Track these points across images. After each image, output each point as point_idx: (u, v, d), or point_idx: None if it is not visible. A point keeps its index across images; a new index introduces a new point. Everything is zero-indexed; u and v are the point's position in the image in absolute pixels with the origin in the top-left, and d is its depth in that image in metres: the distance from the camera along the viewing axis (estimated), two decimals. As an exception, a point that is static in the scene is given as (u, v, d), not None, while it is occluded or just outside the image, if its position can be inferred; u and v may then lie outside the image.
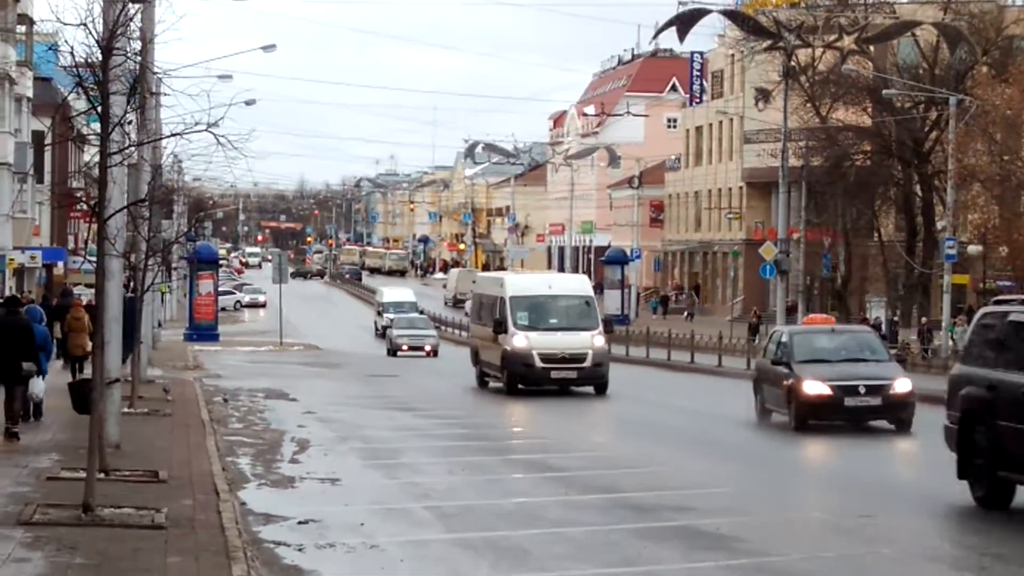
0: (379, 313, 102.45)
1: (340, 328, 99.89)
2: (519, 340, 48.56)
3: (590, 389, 53.35)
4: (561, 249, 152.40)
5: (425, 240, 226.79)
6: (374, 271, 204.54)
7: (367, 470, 25.39)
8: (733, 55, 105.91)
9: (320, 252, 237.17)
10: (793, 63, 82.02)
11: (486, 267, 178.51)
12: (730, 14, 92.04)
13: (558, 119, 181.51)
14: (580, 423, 39.42)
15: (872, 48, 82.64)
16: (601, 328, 51.44)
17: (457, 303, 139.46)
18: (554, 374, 49.45)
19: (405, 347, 67.09)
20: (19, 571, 13.94)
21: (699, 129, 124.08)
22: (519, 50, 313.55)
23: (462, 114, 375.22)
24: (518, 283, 52.70)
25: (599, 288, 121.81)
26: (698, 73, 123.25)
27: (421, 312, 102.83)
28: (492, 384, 52.56)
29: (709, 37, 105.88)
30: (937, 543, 17.78)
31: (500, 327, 47.66)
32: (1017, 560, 16.14)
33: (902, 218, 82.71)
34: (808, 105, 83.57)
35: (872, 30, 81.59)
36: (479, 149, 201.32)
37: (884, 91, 76.17)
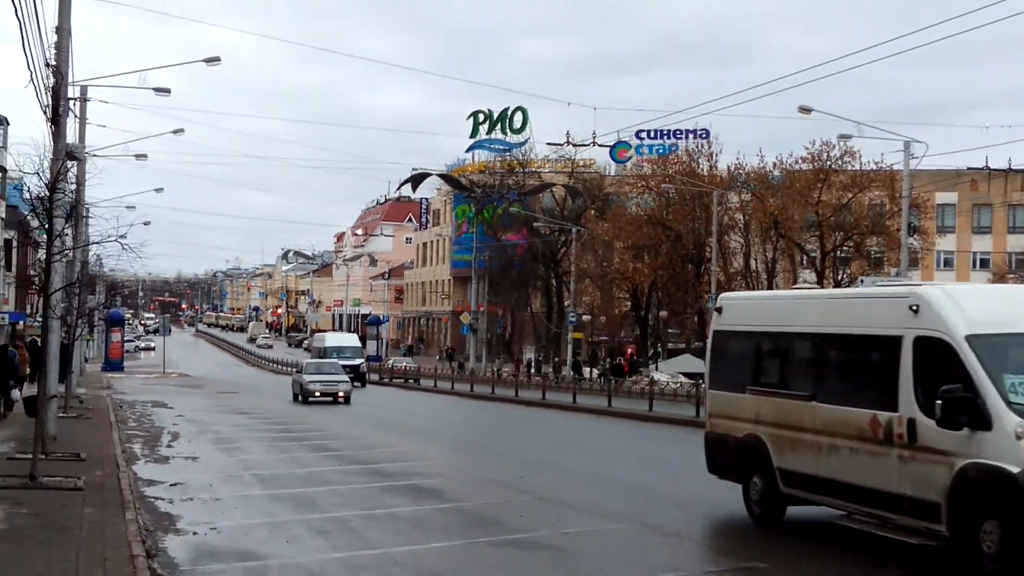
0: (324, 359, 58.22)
1: (202, 362, 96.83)
2: None
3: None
4: (340, 316, 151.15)
5: (256, 309, 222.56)
6: (225, 327, 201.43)
7: (216, 452, 24.78)
8: (445, 201, 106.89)
9: (191, 316, 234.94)
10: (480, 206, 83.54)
11: (294, 327, 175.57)
12: (443, 176, 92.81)
13: (340, 236, 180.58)
14: (367, 422, 36.10)
15: (528, 198, 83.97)
16: None
17: (251, 340, 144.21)
18: None
19: (318, 393, 43.79)
20: (-16, 519, 13.43)
21: (425, 244, 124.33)
22: (314, 193, 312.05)
23: (281, 232, 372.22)
24: (968, 301, 12.88)
25: (363, 340, 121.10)
26: (424, 211, 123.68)
27: (369, 358, 72.50)
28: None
29: (431, 188, 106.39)
30: (560, 486, 18.08)
31: (959, 410, 11.30)
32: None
33: (544, 299, 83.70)
34: (490, 230, 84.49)
35: (528, 187, 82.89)
36: (290, 254, 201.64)
37: (534, 223, 77.47)
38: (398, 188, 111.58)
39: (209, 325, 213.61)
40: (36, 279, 49.69)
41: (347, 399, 44.80)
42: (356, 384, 54.96)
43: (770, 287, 67.12)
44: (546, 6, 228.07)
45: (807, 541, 14.18)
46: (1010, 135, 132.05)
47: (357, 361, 62.12)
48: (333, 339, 69.62)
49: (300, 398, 45.67)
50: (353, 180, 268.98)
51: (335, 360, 56.08)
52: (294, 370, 54.68)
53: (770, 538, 13.96)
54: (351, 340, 71.52)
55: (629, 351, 68.28)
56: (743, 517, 15.76)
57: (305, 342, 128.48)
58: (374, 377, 70.00)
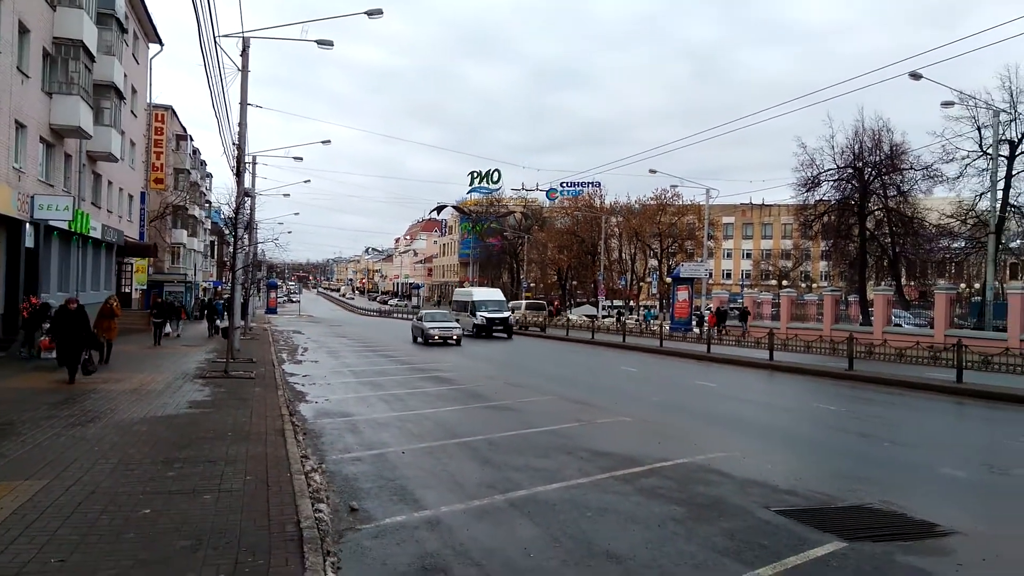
0: (472, 312, 38.84)
1: (320, 309, 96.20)
2: None
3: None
4: (397, 284, 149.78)
5: (350, 280, 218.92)
6: (332, 291, 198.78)
7: (328, 358, 24.47)
8: (455, 220, 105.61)
9: (315, 286, 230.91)
10: (476, 224, 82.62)
11: (372, 289, 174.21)
12: (454, 207, 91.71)
13: (397, 240, 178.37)
14: (408, 340, 34.66)
15: (501, 220, 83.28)
16: None
17: (342, 296, 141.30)
18: None
19: (436, 336, 31.54)
20: (201, 392, 13.42)
21: (444, 244, 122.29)
22: (383, 216, 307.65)
23: (364, 236, 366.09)
24: None
25: (408, 298, 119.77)
26: (444, 226, 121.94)
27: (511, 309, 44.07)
28: None
29: (448, 213, 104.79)
30: (518, 377, 18.26)
31: None
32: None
33: (509, 275, 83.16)
34: (480, 237, 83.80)
35: (500, 214, 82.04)
36: (369, 250, 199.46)
37: (504, 233, 76.94)
38: (429, 213, 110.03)
39: (324, 289, 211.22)
40: (228, 262, 49.30)
41: (458, 342, 31.78)
42: (503, 335, 37.37)
43: (631, 270, 67.52)
44: (512, 113, 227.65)
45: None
46: (764, 186, 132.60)
47: (505, 314, 38.68)
48: (480, 294, 42.07)
49: (421, 340, 32.57)
50: (405, 208, 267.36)
51: (451, 312, 40.33)
52: (415, 318, 36.98)
53: (634, 402, 14.08)
54: (496, 294, 42.87)
55: (556, 303, 68.12)
56: (611, 389, 15.83)
57: (413, 301, 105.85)
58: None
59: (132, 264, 38.13)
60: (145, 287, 39.87)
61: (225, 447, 8.69)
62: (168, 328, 27.84)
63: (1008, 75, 35.05)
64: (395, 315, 79.86)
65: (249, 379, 15.70)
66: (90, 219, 26.88)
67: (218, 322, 31.33)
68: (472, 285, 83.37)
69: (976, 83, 78.75)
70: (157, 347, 24.29)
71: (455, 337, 31.84)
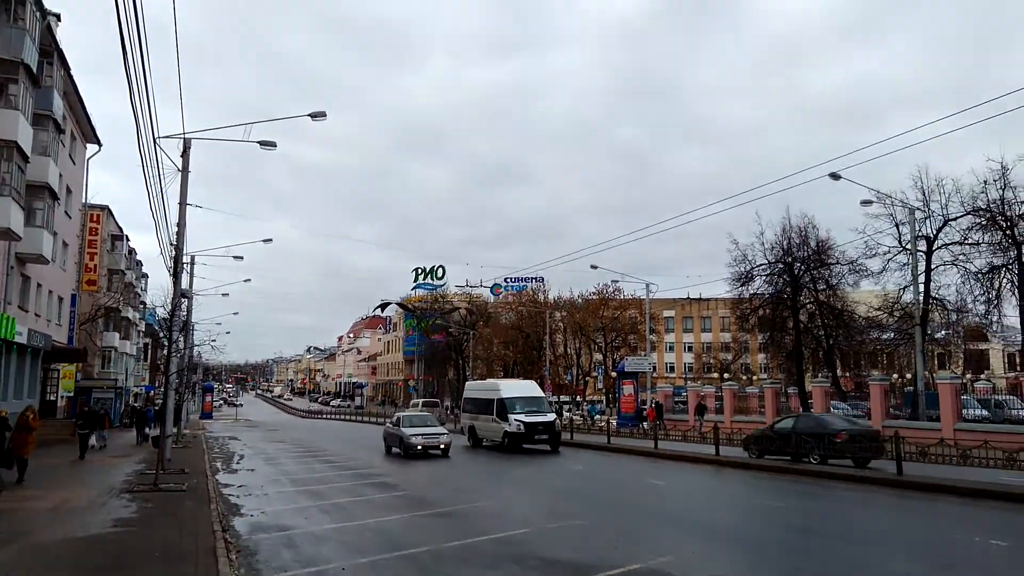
0: (500, 415, 27.57)
1: (258, 412, 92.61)
2: None
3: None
4: (339, 384, 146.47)
5: (291, 380, 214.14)
6: (270, 391, 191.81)
7: (265, 465, 23.49)
8: (400, 317, 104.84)
9: (253, 388, 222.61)
10: (393, 322, 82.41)
11: (314, 389, 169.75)
12: (399, 304, 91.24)
13: (340, 337, 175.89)
14: (349, 443, 34.20)
15: (445, 316, 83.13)
16: None
17: (278, 397, 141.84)
18: None
19: (420, 447, 24.61)
20: (127, 508, 12.67)
21: (388, 341, 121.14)
22: (326, 313, 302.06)
23: (306, 335, 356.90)
24: None
25: (351, 398, 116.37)
26: (388, 323, 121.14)
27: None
28: None
29: (393, 310, 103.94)
30: (462, 480, 17.73)
31: None
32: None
33: (455, 371, 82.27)
34: (425, 334, 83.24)
35: (445, 310, 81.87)
36: (311, 348, 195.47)
37: (449, 330, 76.60)
38: (373, 310, 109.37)
39: (262, 391, 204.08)
40: (161, 366, 47.46)
41: (445, 452, 25.21)
42: (546, 446, 27.44)
43: (577, 365, 67.83)
44: (456, 209, 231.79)
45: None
46: (698, 280, 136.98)
47: (549, 417, 27.89)
48: (510, 388, 29.27)
49: (398, 451, 26.12)
50: (349, 306, 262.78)
51: (464, 414, 32.47)
52: (388, 422, 29.73)
53: (565, 500, 13.78)
54: (533, 389, 29.86)
55: (502, 400, 67.64)
56: (562, 490, 15.54)
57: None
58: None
59: (59, 370, 36.43)
60: (72, 394, 37.99)
61: (151, 569, 8.14)
62: (93, 439, 26.40)
63: (920, 175, 37.61)
64: (324, 415, 78.04)
65: (180, 492, 14.92)
66: (15, 324, 25.81)
67: (147, 430, 29.94)
68: (416, 382, 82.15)
69: (892, 182, 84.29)
70: (82, 460, 22.93)
71: (442, 446, 25.23)
